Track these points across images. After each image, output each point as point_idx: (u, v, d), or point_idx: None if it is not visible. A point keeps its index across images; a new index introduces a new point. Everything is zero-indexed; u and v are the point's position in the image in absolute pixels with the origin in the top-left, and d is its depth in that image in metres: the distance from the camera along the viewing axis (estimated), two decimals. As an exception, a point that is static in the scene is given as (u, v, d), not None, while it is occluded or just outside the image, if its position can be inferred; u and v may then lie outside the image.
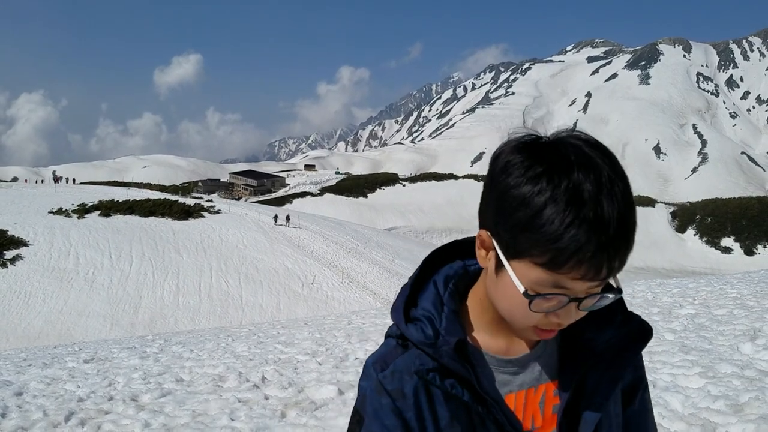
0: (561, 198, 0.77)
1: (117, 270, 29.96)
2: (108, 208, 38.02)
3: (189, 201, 44.03)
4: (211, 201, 47.81)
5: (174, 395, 6.03)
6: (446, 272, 1.02)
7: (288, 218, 39.91)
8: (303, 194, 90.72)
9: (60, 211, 37.22)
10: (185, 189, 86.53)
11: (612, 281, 0.86)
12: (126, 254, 31.62)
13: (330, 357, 8.01)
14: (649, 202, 72.99)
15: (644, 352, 5.71)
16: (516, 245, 0.82)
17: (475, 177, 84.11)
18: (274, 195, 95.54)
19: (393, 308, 1.00)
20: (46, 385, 7.02)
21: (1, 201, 40.98)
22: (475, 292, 1.00)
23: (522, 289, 0.83)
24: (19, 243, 31.28)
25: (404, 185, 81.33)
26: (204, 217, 38.36)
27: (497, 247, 0.86)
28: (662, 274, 50.21)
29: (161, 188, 79.98)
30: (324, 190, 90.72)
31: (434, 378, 0.93)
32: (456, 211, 72.08)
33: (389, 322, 1.05)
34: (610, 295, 0.86)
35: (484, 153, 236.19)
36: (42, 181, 76.14)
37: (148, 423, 4.88)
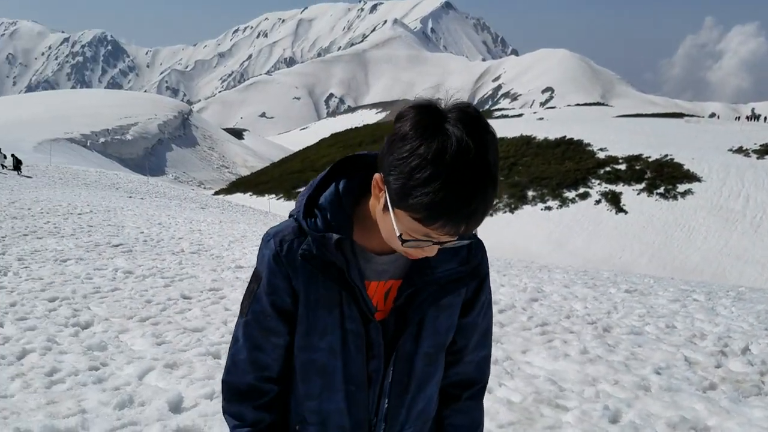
0: (436, 174, 0.98)
1: None
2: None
3: None
4: None
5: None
6: (349, 178, 1.25)
7: None
8: None
9: (740, 150, 36.12)
10: None
11: None
12: None
13: None
14: None
15: None
16: (399, 200, 1.05)
17: None
18: None
19: (298, 199, 1.26)
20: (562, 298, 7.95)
21: (685, 135, 42.69)
22: (368, 200, 1.23)
23: (398, 234, 1.09)
24: (692, 178, 32.27)
25: None
26: None
27: (386, 194, 1.09)
28: None
29: None
30: None
31: (316, 263, 1.21)
32: None
33: None
34: (466, 241, 1.13)
35: None
36: (738, 118, 74.66)
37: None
